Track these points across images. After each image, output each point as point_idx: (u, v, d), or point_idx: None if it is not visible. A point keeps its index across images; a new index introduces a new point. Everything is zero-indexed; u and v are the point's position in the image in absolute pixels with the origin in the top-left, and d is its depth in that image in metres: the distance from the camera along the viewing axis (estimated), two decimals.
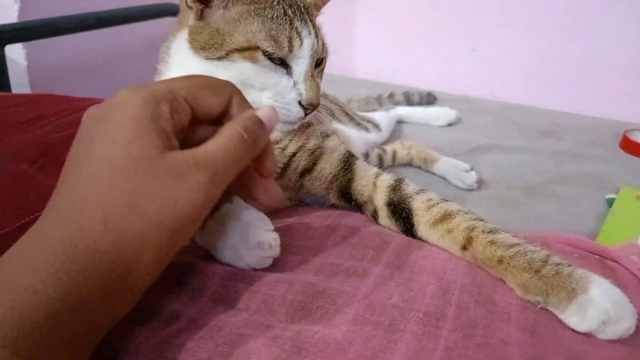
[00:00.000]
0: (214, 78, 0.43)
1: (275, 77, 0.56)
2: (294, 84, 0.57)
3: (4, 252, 0.52)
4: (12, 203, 0.58)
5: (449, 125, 1.36)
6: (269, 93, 0.56)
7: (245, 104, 0.43)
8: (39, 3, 1.42)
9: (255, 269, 0.47)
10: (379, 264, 0.48)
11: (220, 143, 0.39)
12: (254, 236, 0.46)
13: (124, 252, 0.35)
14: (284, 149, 0.60)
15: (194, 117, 0.40)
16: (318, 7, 0.64)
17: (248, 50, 0.54)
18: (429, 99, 1.50)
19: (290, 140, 0.60)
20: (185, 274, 0.47)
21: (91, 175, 0.35)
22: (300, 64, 0.57)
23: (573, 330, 0.42)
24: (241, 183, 0.45)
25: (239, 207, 0.48)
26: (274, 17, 0.55)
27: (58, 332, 0.32)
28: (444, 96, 1.54)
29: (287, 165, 0.60)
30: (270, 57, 0.55)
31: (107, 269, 0.34)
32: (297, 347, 0.38)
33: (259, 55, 0.54)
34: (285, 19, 0.55)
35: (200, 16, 0.56)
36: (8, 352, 0.30)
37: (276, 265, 0.49)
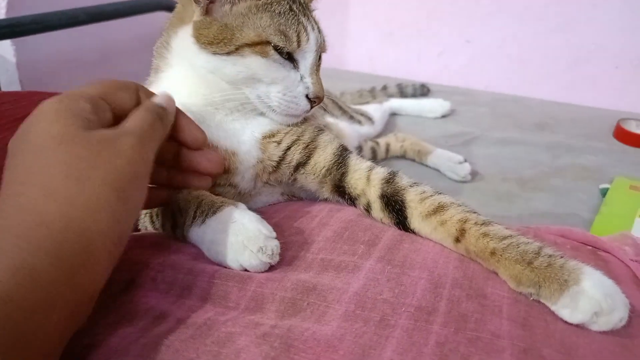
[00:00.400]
0: (119, 80, 0.47)
1: (284, 71, 0.57)
2: (301, 77, 0.59)
3: None
4: None
5: (443, 117, 1.36)
6: (278, 87, 0.57)
7: (150, 93, 0.49)
8: None
9: (246, 271, 0.47)
10: (370, 259, 0.48)
11: (137, 118, 0.43)
12: (258, 240, 0.46)
13: (77, 222, 0.35)
14: (279, 142, 0.60)
15: (114, 113, 0.44)
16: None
17: (259, 45, 0.55)
18: (422, 91, 1.49)
19: (286, 134, 0.60)
20: (174, 274, 0.47)
21: (26, 162, 0.37)
22: (307, 58, 0.59)
23: (565, 322, 0.42)
24: (183, 165, 0.52)
25: (243, 211, 0.49)
26: (282, 12, 0.56)
27: (9, 312, 0.30)
28: (438, 88, 1.54)
29: (281, 158, 0.60)
30: (280, 51, 0.56)
31: (60, 242, 0.34)
32: (286, 344, 0.37)
33: (270, 49, 0.55)
34: (292, 14, 0.57)
35: (206, 11, 0.56)
36: None
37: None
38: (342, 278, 0.45)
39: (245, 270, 0.46)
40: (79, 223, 0.36)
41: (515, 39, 1.63)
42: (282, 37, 0.55)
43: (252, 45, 0.55)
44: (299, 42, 0.57)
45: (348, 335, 0.39)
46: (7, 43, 1.37)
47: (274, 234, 0.48)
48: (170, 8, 1.66)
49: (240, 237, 0.46)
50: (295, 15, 0.57)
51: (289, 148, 0.60)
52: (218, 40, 0.55)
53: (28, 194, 0.36)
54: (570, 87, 1.58)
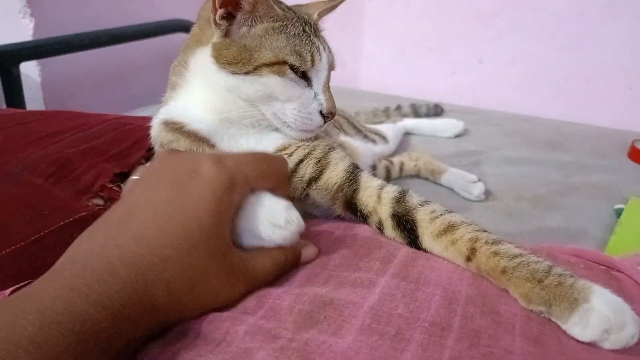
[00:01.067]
0: (275, 161, 0.51)
1: (299, 89, 0.61)
2: (315, 95, 0.62)
3: (21, 263, 0.54)
4: (27, 215, 0.60)
5: (457, 136, 1.37)
6: (294, 104, 0.60)
7: (287, 185, 0.53)
8: (53, 21, 1.46)
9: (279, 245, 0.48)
10: (386, 275, 0.49)
11: (266, 267, 0.47)
12: (281, 214, 0.47)
13: (166, 316, 0.40)
14: (290, 155, 0.62)
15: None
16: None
17: (276, 65, 0.58)
18: (436, 111, 1.51)
19: (297, 147, 0.62)
20: None
21: (168, 236, 0.40)
22: (320, 77, 0.62)
23: (577, 340, 0.42)
24: None
25: (262, 195, 0.50)
26: (296, 34, 0.60)
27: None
28: (450, 107, 1.55)
29: (293, 171, 0.61)
30: (295, 70, 0.59)
31: (151, 321, 0.39)
32: (303, 357, 0.39)
33: (286, 69, 0.59)
34: (305, 36, 0.60)
35: (225, 33, 0.59)
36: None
37: (284, 276, 0.50)
38: (358, 293, 0.46)
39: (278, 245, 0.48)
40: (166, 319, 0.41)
41: (526, 57, 1.64)
42: (298, 57, 0.59)
43: (269, 65, 0.58)
44: (312, 61, 0.60)
45: (364, 348, 0.40)
46: (32, 63, 1.42)
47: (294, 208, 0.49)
48: (187, 30, 1.71)
49: (263, 214, 0.47)
50: (308, 37, 0.60)
51: (301, 161, 0.61)
52: (237, 60, 0.57)
53: (155, 274, 0.39)
54: (582, 106, 1.58)
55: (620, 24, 1.48)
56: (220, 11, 0.57)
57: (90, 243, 0.40)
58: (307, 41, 0.60)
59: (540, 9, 1.59)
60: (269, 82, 0.58)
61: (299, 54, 0.59)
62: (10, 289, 0.50)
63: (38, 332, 0.32)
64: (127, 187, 0.49)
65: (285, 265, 0.49)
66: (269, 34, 0.58)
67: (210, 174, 0.43)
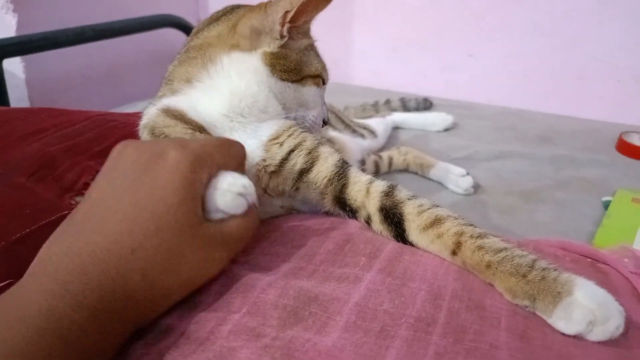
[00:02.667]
0: (235, 144, 0.53)
1: (321, 100, 0.71)
2: (321, 105, 0.72)
3: (3, 263, 0.54)
4: (10, 215, 0.59)
5: (446, 130, 1.37)
6: (314, 112, 0.69)
7: (242, 165, 0.54)
8: (37, 16, 1.44)
9: (231, 214, 0.47)
10: (371, 271, 0.49)
11: (243, 226, 0.47)
12: (225, 179, 0.47)
13: (149, 302, 0.40)
14: (281, 144, 0.62)
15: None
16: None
17: (316, 77, 0.68)
18: (425, 105, 1.51)
19: (288, 136, 0.63)
20: None
21: (136, 224, 0.40)
22: (324, 90, 0.72)
23: (563, 334, 0.42)
24: None
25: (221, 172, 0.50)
26: (318, 53, 0.70)
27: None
28: (441, 102, 1.55)
29: (284, 160, 0.61)
30: (324, 83, 0.70)
31: (132, 312, 0.39)
32: (287, 355, 0.38)
33: (320, 81, 0.69)
34: (319, 55, 0.70)
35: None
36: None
37: (270, 271, 0.50)
38: (343, 289, 0.46)
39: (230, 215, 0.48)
40: (150, 303, 0.41)
41: (518, 54, 1.64)
42: (325, 72, 0.70)
43: (312, 77, 0.67)
44: (327, 77, 0.71)
45: (348, 345, 0.39)
46: (16, 60, 1.41)
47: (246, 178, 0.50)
48: (176, 25, 1.70)
49: (212, 187, 0.47)
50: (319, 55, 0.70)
51: (291, 151, 0.62)
52: (291, 69, 0.64)
53: (129, 261, 0.39)
54: (573, 101, 1.58)
55: (611, 20, 1.48)
56: (288, 25, 0.62)
57: (60, 244, 0.40)
58: (322, 60, 0.70)
59: (532, 6, 1.59)
60: (309, 91, 0.67)
61: (324, 70, 0.69)
62: None
63: (21, 339, 0.32)
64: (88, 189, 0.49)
65: (256, 221, 0.50)
66: (307, 49, 0.67)
67: (175, 156, 0.43)
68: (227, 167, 0.49)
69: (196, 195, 0.44)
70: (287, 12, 0.60)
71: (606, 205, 0.95)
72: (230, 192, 0.46)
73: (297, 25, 0.63)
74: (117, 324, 0.38)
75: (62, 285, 0.35)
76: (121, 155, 0.46)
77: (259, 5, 0.63)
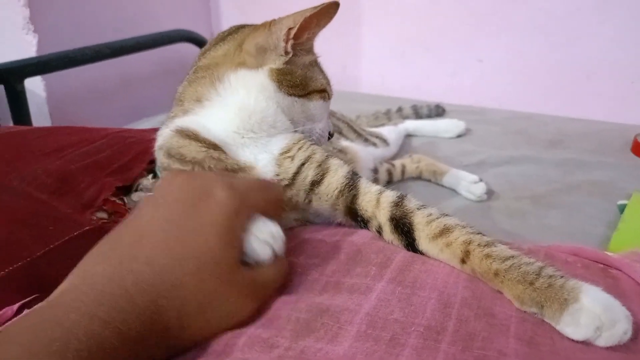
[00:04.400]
0: (277, 191, 0.56)
1: (326, 114, 0.73)
2: (327, 118, 0.74)
3: (28, 278, 0.56)
4: (32, 230, 0.61)
5: (458, 136, 1.37)
6: (321, 125, 0.71)
7: (279, 207, 0.56)
8: (56, 36, 1.48)
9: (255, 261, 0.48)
10: (382, 281, 0.50)
11: (272, 274, 0.48)
12: (257, 225, 0.48)
13: (180, 341, 0.41)
14: (292, 158, 0.64)
15: None
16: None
17: (322, 92, 0.69)
18: (437, 112, 1.51)
19: (299, 149, 0.65)
20: None
21: (178, 260, 0.41)
22: (329, 104, 0.73)
23: (572, 340, 0.43)
24: None
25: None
26: (321, 68, 0.71)
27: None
28: (451, 107, 1.55)
29: (296, 173, 0.63)
30: (329, 97, 0.72)
31: (164, 346, 0.40)
32: None
33: (326, 95, 0.71)
34: (323, 70, 0.72)
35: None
36: None
37: (283, 284, 0.51)
38: (354, 299, 0.47)
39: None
40: (176, 343, 0.41)
41: (526, 56, 1.64)
42: (329, 87, 0.71)
43: (318, 91, 0.69)
44: (332, 91, 0.72)
45: (359, 354, 0.40)
46: (37, 79, 1.45)
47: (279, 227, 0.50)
48: (190, 40, 1.73)
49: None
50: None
51: (303, 164, 0.63)
52: (297, 84, 0.66)
53: (166, 300, 0.40)
54: (583, 102, 1.57)
55: (618, 18, 1.48)
56: (292, 41, 0.63)
57: (104, 265, 0.40)
58: (325, 75, 0.72)
59: (537, 6, 1.59)
60: (315, 105, 0.69)
61: (329, 84, 0.71)
62: (18, 304, 0.51)
63: (57, 357, 0.33)
64: (139, 203, 0.50)
65: (286, 270, 0.51)
66: (312, 65, 0.69)
67: (223, 198, 0.44)
68: (266, 211, 0.50)
69: (237, 239, 0.45)
70: (290, 29, 0.62)
71: (622, 208, 0.94)
72: (257, 238, 0.47)
73: (301, 42, 0.65)
74: (149, 354, 0.39)
75: (106, 311, 0.36)
76: (170, 185, 0.47)
77: (264, 24, 0.65)
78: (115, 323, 0.36)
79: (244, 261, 0.46)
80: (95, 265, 0.41)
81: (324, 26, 0.65)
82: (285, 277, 0.51)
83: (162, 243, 0.41)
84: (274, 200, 0.53)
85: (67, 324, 0.35)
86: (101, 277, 0.39)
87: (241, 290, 0.44)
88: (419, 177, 1.13)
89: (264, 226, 0.48)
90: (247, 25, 0.70)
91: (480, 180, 1.03)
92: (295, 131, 0.67)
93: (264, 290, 0.47)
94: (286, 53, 0.64)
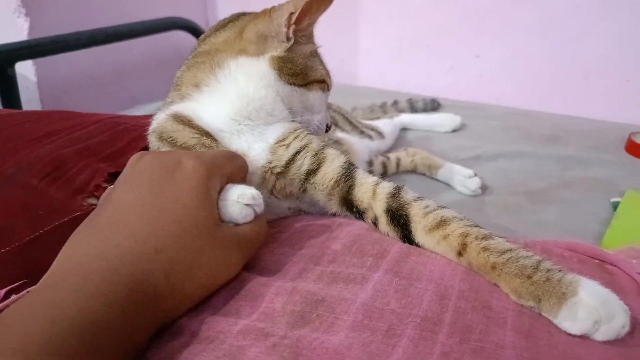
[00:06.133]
0: (240, 158, 0.56)
1: (325, 105, 0.73)
2: (325, 111, 0.74)
3: (17, 263, 0.55)
4: (23, 216, 0.60)
5: (454, 131, 1.37)
6: (319, 116, 0.71)
7: (246, 175, 0.57)
8: (48, 20, 1.46)
9: (238, 224, 0.50)
10: (378, 271, 0.49)
11: (254, 230, 0.50)
12: (235, 191, 0.50)
13: (171, 303, 0.42)
14: (287, 146, 0.63)
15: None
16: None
17: (322, 83, 0.69)
18: (433, 106, 1.51)
19: (294, 138, 0.64)
20: None
21: (159, 226, 0.43)
22: (328, 96, 0.73)
23: (569, 334, 0.43)
24: None
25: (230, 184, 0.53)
26: (321, 59, 0.71)
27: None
28: (448, 102, 1.55)
29: (290, 161, 0.62)
30: (328, 89, 0.72)
31: (156, 311, 0.41)
32: (296, 353, 0.39)
33: (325, 86, 0.71)
34: (323, 62, 0.71)
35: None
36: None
37: (277, 273, 0.51)
38: (350, 289, 0.47)
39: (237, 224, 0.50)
40: (169, 302, 0.42)
41: (524, 52, 1.64)
42: (329, 78, 0.71)
43: (318, 82, 0.68)
44: (331, 83, 0.72)
45: (356, 344, 0.40)
46: (28, 63, 1.43)
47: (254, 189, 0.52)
48: (185, 27, 1.71)
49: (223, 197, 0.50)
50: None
51: (297, 152, 0.63)
52: (297, 73, 0.65)
53: (153, 262, 0.41)
54: (580, 100, 1.58)
55: (617, 16, 1.48)
56: (293, 27, 0.63)
57: (88, 247, 0.42)
58: (325, 66, 0.71)
59: (536, 4, 1.58)
60: (315, 95, 0.68)
61: (329, 76, 0.71)
62: (5, 289, 0.50)
63: (55, 340, 0.33)
64: (104, 194, 0.51)
65: (265, 226, 0.53)
66: (313, 55, 0.69)
67: (193, 165, 0.47)
68: (234, 178, 0.52)
69: (212, 200, 0.47)
70: (291, 14, 0.62)
71: (615, 206, 0.94)
72: (239, 203, 0.49)
73: (302, 27, 0.64)
74: (144, 322, 0.39)
75: (94, 285, 0.37)
76: (138, 164, 0.49)
77: (264, 11, 0.65)
78: (104, 295, 0.37)
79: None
80: (79, 246, 0.42)
81: (324, 10, 0.65)
82: (266, 230, 0.53)
83: (141, 215, 0.43)
84: (240, 166, 0.55)
85: (56, 303, 0.35)
86: (86, 256, 0.40)
87: (224, 243, 0.46)
88: (413, 171, 1.13)
89: (241, 190, 0.50)
90: (248, 13, 0.69)
91: (475, 174, 1.03)
92: (293, 121, 0.66)
93: (248, 244, 0.50)
94: (288, 39, 0.64)
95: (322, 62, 0.71)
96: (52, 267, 0.41)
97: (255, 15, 0.67)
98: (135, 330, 0.38)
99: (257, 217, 0.51)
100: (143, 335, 0.40)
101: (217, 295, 0.48)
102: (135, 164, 0.50)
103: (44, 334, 0.33)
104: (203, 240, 0.44)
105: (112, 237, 0.42)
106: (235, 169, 0.53)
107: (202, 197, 0.46)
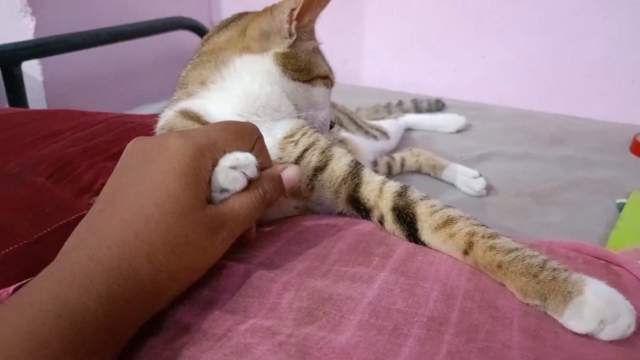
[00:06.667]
0: (243, 126, 0.51)
1: (329, 101, 0.73)
2: (329, 107, 0.74)
3: (22, 262, 0.55)
4: (29, 215, 0.60)
5: (458, 131, 1.37)
6: (324, 113, 0.71)
7: (263, 149, 0.52)
8: (54, 19, 1.47)
9: (231, 191, 0.47)
10: (384, 270, 0.50)
11: (245, 204, 0.47)
12: (227, 156, 0.47)
13: (157, 286, 0.41)
14: (296, 142, 0.64)
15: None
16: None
17: (325, 78, 0.70)
18: (437, 106, 1.51)
19: (302, 135, 0.64)
20: (199, 290, 0.48)
21: (140, 211, 0.41)
22: (331, 92, 0.73)
23: (575, 334, 0.43)
24: None
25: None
26: (324, 56, 0.72)
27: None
28: (452, 103, 1.55)
29: (299, 158, 0.63)
30: (331, 84, 0.72)
31: (140, 297, 0.40)
32: (302, 352, 0.39)
33: (329, 82, 0.71)
34: (325, 58, 0.72)
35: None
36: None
37: (284, 271, 0.51)
38: (356, 288, 0.47)
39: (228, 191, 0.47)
40: (157, 287, 0.41)
41: (528, 53, 1.64)
42: (332, 74, 0.72)
43: (322, 78, 0.69)
44: (334, 79, 0.73)
45: (362, 343, 0.40)
46: (34, 62, 1.43)
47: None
48: (189, 27, 1.72)
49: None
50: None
51: (306, 150, 0.63)
52: (301, 69, 0.66)
53: (135, 247, 0.40)
54: (585, 100, 1.57)
55: (622, 17, 1.47)
56: (295, 23, 0.64)
57: (74, 238, 0.42)
58: (328, 63, 0.72)
59: (540, 5, 1.58)
60: (319, 91, 0.69)
61: (331, 72, 0.72)
62: (14, 286, 0.50)
63: (38, 331, 0.33)
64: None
65: (266, 196, 0.49)
66: (315, 51, 0.69)
67: (177, 144, 0.44)
68: (238, 148, 0.49)
69: (199, 181, 0.44)
70: (292, 10, 0.63)
71: (620, 207, 0.94)
72: (224, 167, 0.46)
73: (303, 23, 0.65)
74: (128, 310, 0.39)
75: (69, 272, 0.37)
76: (129, 150, 0.48)
77: (265, 9, 0.66)
78: (81, 282, 0.36)
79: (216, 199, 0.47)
80: (68, 240, 0.43)
81: (324, 6, 0.65)
82: (262, 203, 0.49)
83: (123, 202, 0.42)
84: (243, 135, 0.50)
85: (39, 295, 0.36)
86: (69, 248, 0.41)
87: (209, 225, 0.44)
88: (418, 171, 1.13)
89: (228, 156, 0.47)
90: (250, 12, 0.70)
91: (480, 175, 1.03)
92: (299, 116, 0.67)
93: (237, 221, 0.47)
94: (290, 35, 0.65)
95: (324, 59, 0.72)
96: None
97: (257, 14, 0.67)
98: (120, 318, 0.38)
99: (253, 188, 0.48)
100: (130, 325, 0.40)
101: (225, 291, 0.48)
102: (126, 149, 0.49)
103: (22, 318, 0.33)
104: (187, 223, 0.42)
105: (94, 228, 0.41)
106: (236, 141, 0.49)
107: (187, 178, 0.43)
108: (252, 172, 0.48)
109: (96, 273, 0.37)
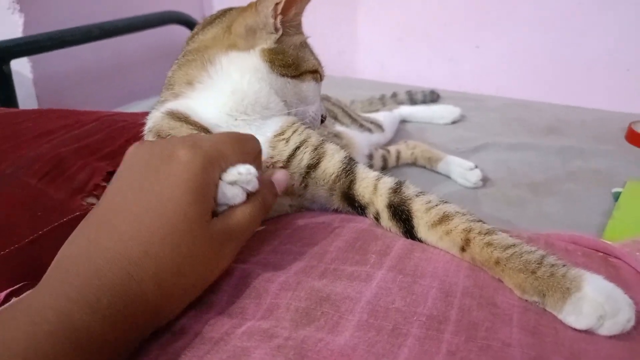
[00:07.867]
0: (247, 138, 0.51)
1: (319, 96, 0.72)
2: (319, 101, 0.73)
3: (17, 264, 0.55)
4: (23, 216, 0.60)
5: (453, 123, 1.36)
6: (314, 107, 0.71)
7: (259, 158, 0.53)
8: (43, 16, 1.45)
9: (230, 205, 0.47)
10: (382, 269, 0.49)
11: (248, 213, 0.46)
12: (230, 170, 0.47)
13: (164, 305, 0.40)
14: (287, 140, 0.63)
15: None
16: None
17: (314, 73, 0.69)
18: (432, 97, 1.50)
19: (293, 132, 0.63)
20: None
21: (144, 225, 0.40)
22: (321, 86, 0.73)
23: (575, 330, 0.42)
24: None
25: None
26: (312, 50, 0.71)
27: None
28: (448, 94, 1.54)
29: (291, 156, 0.62)
30: (321, 79, 0.72)
31: (146, 315, 0.39)
32: (300, 355, 0.39)
33: (318, 76, 0.71)
34: (313, 52, 0.71)
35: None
36: None
37: (281, 271, 0.50)
38: (354, 287, 0.46)
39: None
40: (162, 305, 0.40)
41: (524, 43, 1.63)
42: (321, 68, 0.71)
43: (311, 72, 0.68)
44: (323, 73, 0.72)
45: (361, 344, 0.40)
46: (24, 60, 1.41)
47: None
48: (181, 21, 1.70)
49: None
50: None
51: (297, 148, 0.62)
52: (289, 64, 0.65)
53: (141, 264, 0.39)
54: (580, 90, 1.57)
55: (616, 7, 1.47)
56: (280, 17, 0.62)
57: (75, 247, 0.40)
58: (317, 57, 0.71)
59: None
60: (308, 86, 0.68)
61: (320, 66, 0.71)
62: (5, 292, 0.50)
63: (31, 343, 0.32)
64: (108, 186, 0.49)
65: (266, 202, 0.49)
66: (302, 46, 0.68)
67: (185, 157, 0.43)
68: (244, 162, 0.48)
69: (207, 196, 0.43)
70: (277, 4, 0.62)
71: (616, 196, 0.94)
72: (224, 182, 0.45)
73: (289, 18, 0.64)
74: (131, 327, 0.38)
75: (76, 289, 0.35)
76: (133, 156, 0.46)
77: (250, 5, 0.65)
78: (84, 299, 0.35)
79: (218, 212, 0.46)
80: (66, 249, 0.40)
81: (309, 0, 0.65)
82: (262, 211, 0.49)
83: (127, 212, 0.41)
84: (249, 150, 0.50)
85: (35, 306, 0.34)
86: (70, 258, 0.39)
87: (217, 239, 0.43)
88: (413, 164, 1.12)
89: (231, 169, 0.46)
90: (234, 8, 0.69)
91: (476, 167, 1.03)
92: (289, 113, 0.66)
93: (242, 231, 0.46)
94: (276, 30, 0.64)
95: (312, 53, 0.70)
96: (47, 270, 0.40)
97: (242, 9, 0.66)
98: (122, 336, 0.37)
99: (253, 197, 0.47)
100: (133, 341, 0.39)
101: (222, 294, 0.47)
102: (130, 156, 0.47)
103: (23, 336, 0.32)
104: (194, 240, 0.41)
105: (97, 238, 0.39)
106: (242, 154, 0.48)
107: (195, 193, 0.42)
108: (254, 186, 0.47)
109: (103, 293, 0.36)
